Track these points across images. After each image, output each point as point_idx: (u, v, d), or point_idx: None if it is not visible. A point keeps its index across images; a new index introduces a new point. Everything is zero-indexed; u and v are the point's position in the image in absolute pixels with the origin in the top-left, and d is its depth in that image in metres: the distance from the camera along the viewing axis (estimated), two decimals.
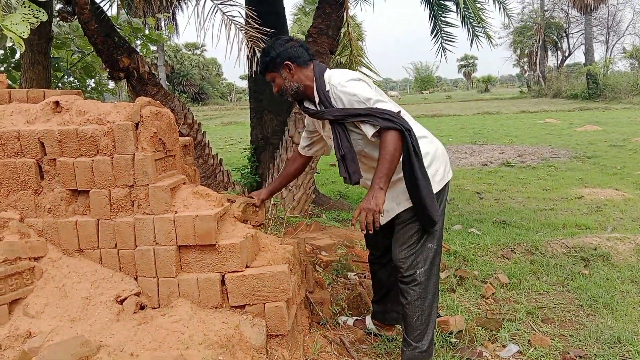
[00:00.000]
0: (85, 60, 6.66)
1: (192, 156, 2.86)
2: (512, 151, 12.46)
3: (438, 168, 2.62)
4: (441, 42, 6.36)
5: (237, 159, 11.02)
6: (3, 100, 2.64)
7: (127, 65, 4.87)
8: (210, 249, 2.30)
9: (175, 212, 2.31)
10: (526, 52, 48.33)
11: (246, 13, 4.32)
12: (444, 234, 5.34)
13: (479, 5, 6.22)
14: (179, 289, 2.32)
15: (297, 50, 2.60)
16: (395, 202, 2.60)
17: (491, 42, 6.95)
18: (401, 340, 2.72)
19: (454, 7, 6.17)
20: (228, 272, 2.31)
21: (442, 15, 6.24)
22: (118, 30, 5.15)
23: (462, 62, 78.55)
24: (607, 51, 42.59)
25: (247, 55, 4.12)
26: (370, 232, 2.38)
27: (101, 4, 4.96)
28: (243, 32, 4.12)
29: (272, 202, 4.16)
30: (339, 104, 2.47)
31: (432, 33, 6.40)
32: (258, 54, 4.15)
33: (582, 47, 40.36)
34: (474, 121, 22.71)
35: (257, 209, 2.84)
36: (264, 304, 2.30)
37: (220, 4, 4.28)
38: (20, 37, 3.09)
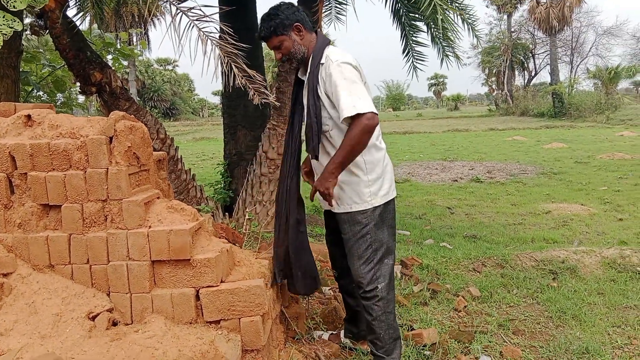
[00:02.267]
0: (56, 75, 6.57)
1: (165, 171, 2.85)
2: (482, 167, 12.70)
3: (383, 184, 2.66)
4: (412, 62, 6.49)
5: (209, 175, 10.95)
6: None
7: (99, 79, 4.83)
8: (185, 263, 2.29)
9: (150, 227, 2.29)
10: (494, 71, 49.56)
11: (222, 29, 4.34)
12: (417, 248, 5.42)
13: (447, 26, 6.39)
14: (153, 304, 2.29)
15: (302, 14, 2.62)
16: (334, 201, 2.59)
17: (459, 61, 7.12)
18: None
19: (424, 27, 6.32)
20: (203, 287, 2.30)
21: (413, 35, 6.38)
22: (90, 44, 5.11)
23: (432, 81, 79.97)
24: (571, 71, 43.94)
25: (223, 71, 4.13)
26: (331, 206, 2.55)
27: (73, 19, 4.92)
28: (219, 48, 4.13)
29: (246, 217, 4.15)
30: (327, 79, 2.46)
31: (403, 52, 6.53)
32: (235, 70, 4.17)
33: (548, 67, 41.54)
34: (444, 138, 23.09)
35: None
36: (239, 318, 2.29)
37: (197, 20, 4.28)
38: None
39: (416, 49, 6.46)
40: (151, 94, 50.31)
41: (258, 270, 2.47)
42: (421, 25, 6.34)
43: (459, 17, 5.57)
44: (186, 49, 4.37)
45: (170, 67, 59.67)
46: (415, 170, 12.65)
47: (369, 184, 2.60)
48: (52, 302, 2.22)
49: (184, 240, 2.25)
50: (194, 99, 68.54)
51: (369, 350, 2.94)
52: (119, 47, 6.59)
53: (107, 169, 2.28)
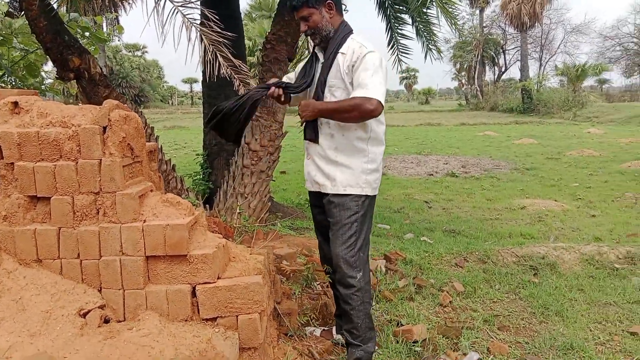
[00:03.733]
0: (28, 59, 6.32)
1: (156, 162, 2.75)
2: (456, 162, 12.84)
3: (376, 177, 2.76)
4: (397, 54, 6.48)
5: (183, 165, 10.77)
6: None
7: (77, 65, 4.65)
8: (181, 259, 2.22)
9: (144, 221, 2.21)
10: (465, 66, 50.12)
11: (205, 15, 4.21)
12: (398, 243, 5.44)
13: (430, 20, 6.40)
14: (147, 301, 2.22)
15: None
16: (329, 181, 2.68)
17: (441, 55, 7.15)
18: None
19: (409, 20, 6.30)
20: (199, 284, 2.23)
21: (399, 27, 6.36)
22: (68, 28, 4.92)
23: (403, 74, 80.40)
24: (540, 68, 44.79)
25: (208, 60, 4.02)
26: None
27: (50, 1, 4.72)
28: (204, 35, 4.02)
29: (237, 211, 4.07)
30: (358, 63, 2.52)
31: (388, 44, 6.50)
32: (220, 59, 4.07)
33: (518, 63, 42.24)
34: (417, 132, 23.28)
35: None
36: (237, 316, 2.24)
37: (181, 5, 4.16)
38: None
39: (401, 41, 6.45)
40: (119, 81, 49.14)
41: (254, 266, 2.41)
42: (406, 17, 6.32)
43: (440, 11, 5.56)
44: (168, 37, 4.22)
45: (139, 53, 58.47)
46: (391, 164, 12.71)
47: (367, 172, 2.68)
48: (41, 298, 2.12)
49: (181, 235, 2.18)
50: (163, 86, 67.35)
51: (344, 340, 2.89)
52: (94, 31, 6.38)
53: (100, 160, 2.18)
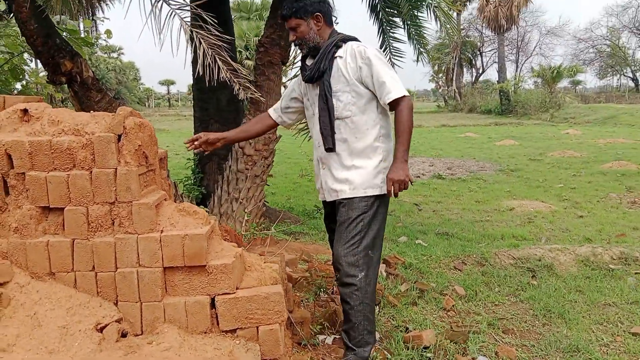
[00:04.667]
0: (12, 62, 6.17)
1: (166, 169, 2.69)
2: (441, 164, 12.92)
3: None
4: (390, 57, 6.49)
5: (170, 168, 10.62)
6: None
7: (69, 69, 4.55)
8: (200, 270, 2.17)
9: (162, 231, 2.16)
10: (443, 68, 50.59)
11: (204, 19, 4.16)
12: (394, 246, 5.44)
13: (420, 23, 6.43)
14: (165, 313, 2.17)
15: (327, 7, 2.68)
16: (347, 185, 2.64)
17: (429, 58, 7.20)
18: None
19: (401, 24, 6.32)
20: (218, 295, 2.19)
21: (391, 30, 6.37)
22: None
23: None
24: (517, 69, 45.48)
25: (208, 63, 3.97)
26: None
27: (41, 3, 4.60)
28: (204, 39, 3.97)
29: (245, 218, 4.01)
30: (364, 67, 2.55)
31: (381, 47, 6.51)
32: (219, 62, 4.02)
33: (495, 65, 42.81)
34: None
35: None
36: (257, 327, 2.20)
37: (178, 8, 4.10)
38: None
39: (394, 44, 6.46)
40: None
41: (270, 275, 2.38)
42: (398, 20, 6.33)
43: (436, 16, 5.59)
44: (147, 37, 4.16)
45: (115, 55, 57.62)
46: None
47: (383, 171, 2.65)
48: (56, 313, 2.05)
49: (199, 245, 2.13)
50: (139, 88, 66.50)
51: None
52: (82, 35, 6.25)
53: (116, 169, 2.12)
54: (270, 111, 3.07)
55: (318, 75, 2.62)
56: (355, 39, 2.70)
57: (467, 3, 43.58)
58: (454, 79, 46.67)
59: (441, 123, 28.63)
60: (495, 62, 42.79)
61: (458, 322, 3.66)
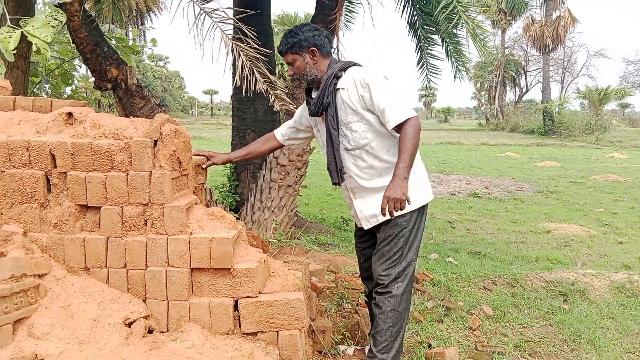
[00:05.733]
0: (63, 67, 6.47)
1: (204, 176, 2.80)
2: (478, 182, 12.76)
3: (426, 185, 2.84)
4: (426, 74, 6.51)
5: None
6: (7, 107, 2.52)
7: (115, 76, 4.76)
8: (225, 272, 2.25)
9: (191, 234, 2.25)
10: (486, 86, 49.99)
11: (243, 32, 4.28)
12: (424, 263, 5.41)
13: (460, 41, 6.42)
14: (190, 313, 2.24)
15: (323, 39, 2.68)
16: (379, 211, 2.60)
17: (469, 76, 7.17)
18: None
19: (440, 41, 6.34)
20: (241, 298, 2.25)
21: (429, 47, 6.40)
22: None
23: (422, 92, 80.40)
24: (562, 90, 44.52)
25: (245, 75, 4.09)
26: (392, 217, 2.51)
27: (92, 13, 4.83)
28: (243, 52, 4.09)
29: (273, 226, 4.10)
30: (365, 95, 2.55)
31: (418, 64, 6.54)
32: (257, 74, 4.13)
33: (539, 84, 42.01)
34: (437, 151, 23.19)
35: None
36: (277, 332, 2.25)
37: (220, 22, 4.25)
38: (44, 41, 2.96)
39: (431, 61, 6.48)
40: None
41: (293, 282, 2.43)
42: (436, 38, 6.36)
43: (470, 36, 5.57)
44: (191, 48, 4.31)
45: (161, 64, 59.34)
46: None
47: (413, 185, 2.63)
48: (89, 306, 2.16)
49: (226, 248, 2.21)
50: (184, 96, 68.16)
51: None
52: (130, 43, 6.51)
53: (151, 172, 2.23)
54: (277, 133, 3.07)
55: (322, 109, 2.65)
56: (354, 64, 2.70)
57: (512, 21, 43.06)
58: (497, 97, 46.03)
59: (481, 141, 28.25)
60: (540, 81, 41.96)
61: (484, 342, 3.62)
